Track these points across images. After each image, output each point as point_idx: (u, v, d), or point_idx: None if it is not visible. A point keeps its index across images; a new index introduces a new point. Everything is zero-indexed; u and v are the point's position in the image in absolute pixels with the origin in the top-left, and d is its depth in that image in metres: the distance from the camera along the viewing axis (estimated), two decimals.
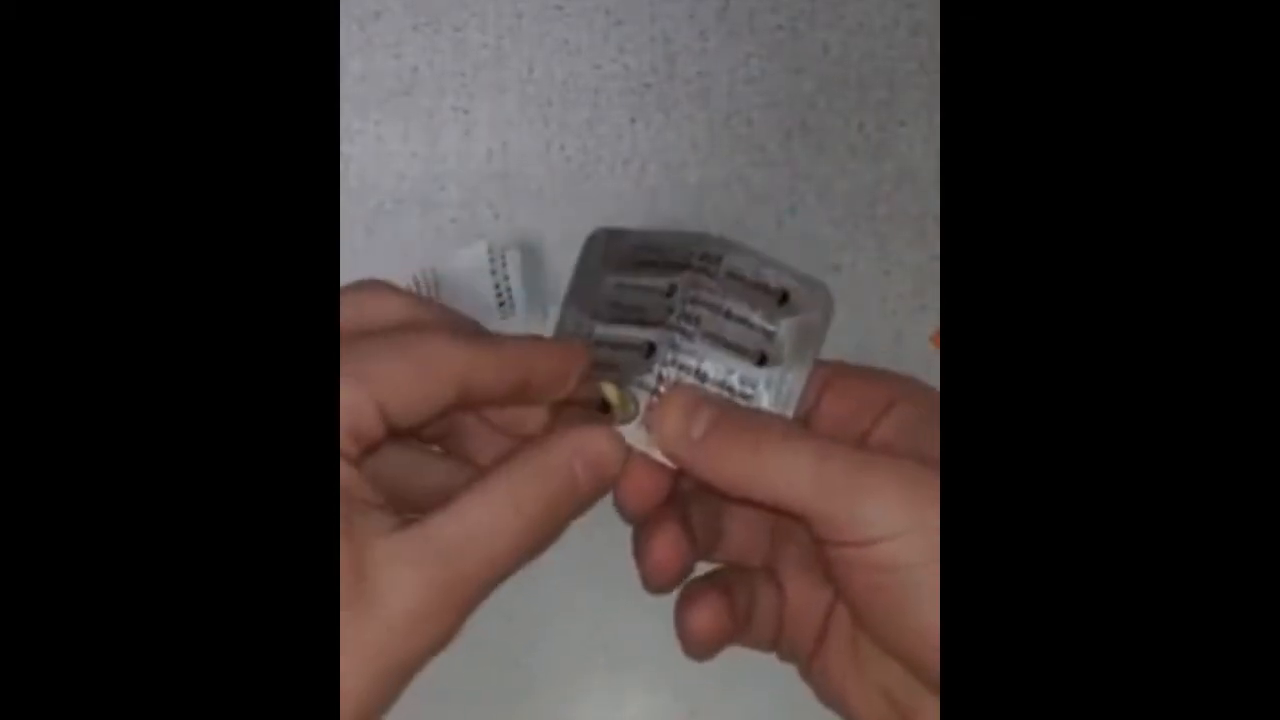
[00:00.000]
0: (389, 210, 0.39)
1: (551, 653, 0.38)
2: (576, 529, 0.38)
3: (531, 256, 0.39)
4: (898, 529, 0.25)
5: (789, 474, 0.26)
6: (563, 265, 0.39)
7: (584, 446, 0.28)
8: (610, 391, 0.30)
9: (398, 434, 0.27)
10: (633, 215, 0.39)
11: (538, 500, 0.27)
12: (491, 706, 0.38)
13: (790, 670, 0.35)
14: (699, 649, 0.31)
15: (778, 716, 0.37)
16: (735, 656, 0.37)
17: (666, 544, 0.30)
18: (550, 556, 0.37)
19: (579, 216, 0.39)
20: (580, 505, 0.28)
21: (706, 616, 0.31)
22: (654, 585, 0.31)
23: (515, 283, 0.37)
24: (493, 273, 0.37)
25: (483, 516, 0.26)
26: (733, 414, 0.28)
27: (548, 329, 0.38)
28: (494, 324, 0.37)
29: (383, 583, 0.24)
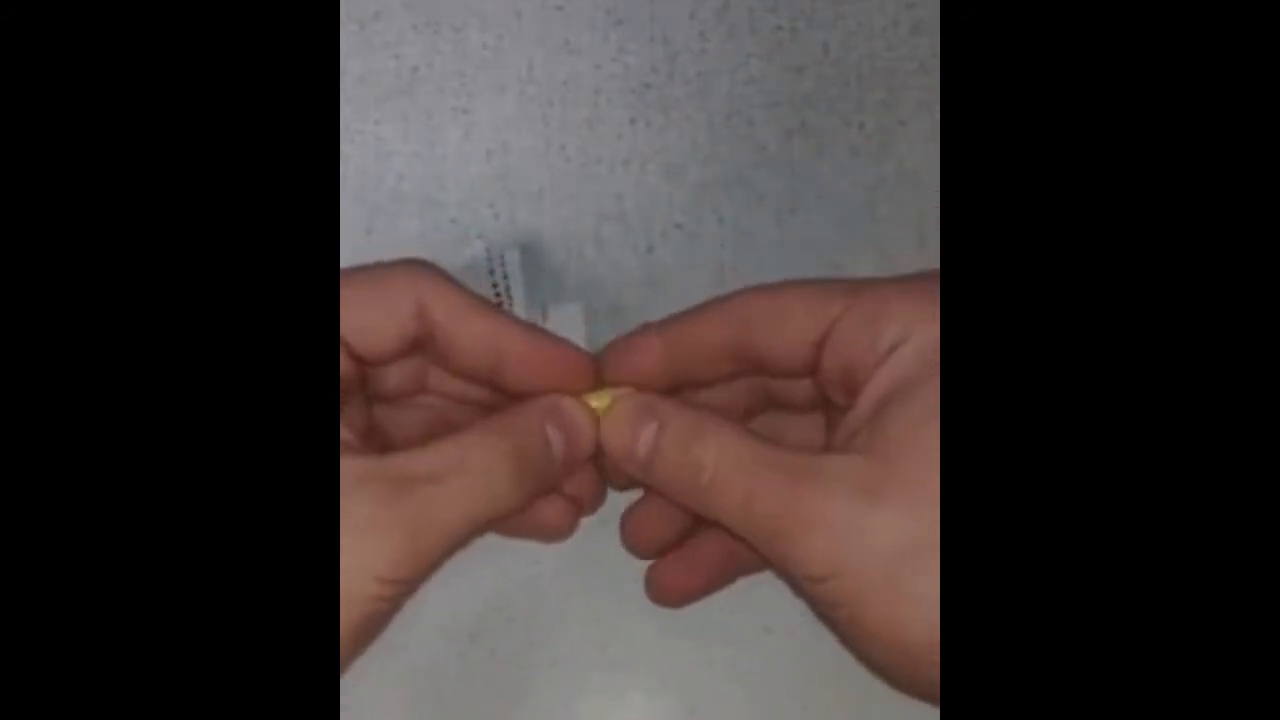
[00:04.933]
0: (389, 210, 0.39)
1: (551, 653, 0.38)
2: (577, 528, 0.38)
3: (531, 256, 0.39)
4: (829, 571, 0.23)
5: (724, 507, 0.25)
6: (562, 265, 0.39)
7: (556, 409, 0.27)
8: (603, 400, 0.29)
9: (368, 365, 0.27)
10: (633, 215, 0.39)
11: (508, 454, 0.26)
12: (491, 706, 0.38)
13: (790, 670, 0.35)
14: (668, 603, 0.31)
15: (778, 716, 0.37)
16: (735, 656, 0.37)
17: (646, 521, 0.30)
18: (550, 556, 0.37)
19: (579, 216, 0.39)
20: (553, 470, 0.27)
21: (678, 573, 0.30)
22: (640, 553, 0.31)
23: (514, 282, 0.37)
24: (490, 273, 0.37)
25: (450, 456, 0.25)
26: (674, 429, 0.26)
27: (547, 328, 0.38)
28: None
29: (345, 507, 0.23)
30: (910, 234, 0.39)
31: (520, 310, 0.38)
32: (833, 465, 0.24)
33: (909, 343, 0.25)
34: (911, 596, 0.23)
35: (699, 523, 0.30)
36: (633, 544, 0.31)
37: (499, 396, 0.29)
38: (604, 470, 0.30)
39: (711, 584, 0.30)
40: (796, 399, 0.29)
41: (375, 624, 0.25)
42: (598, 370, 0.28)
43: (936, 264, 0.39)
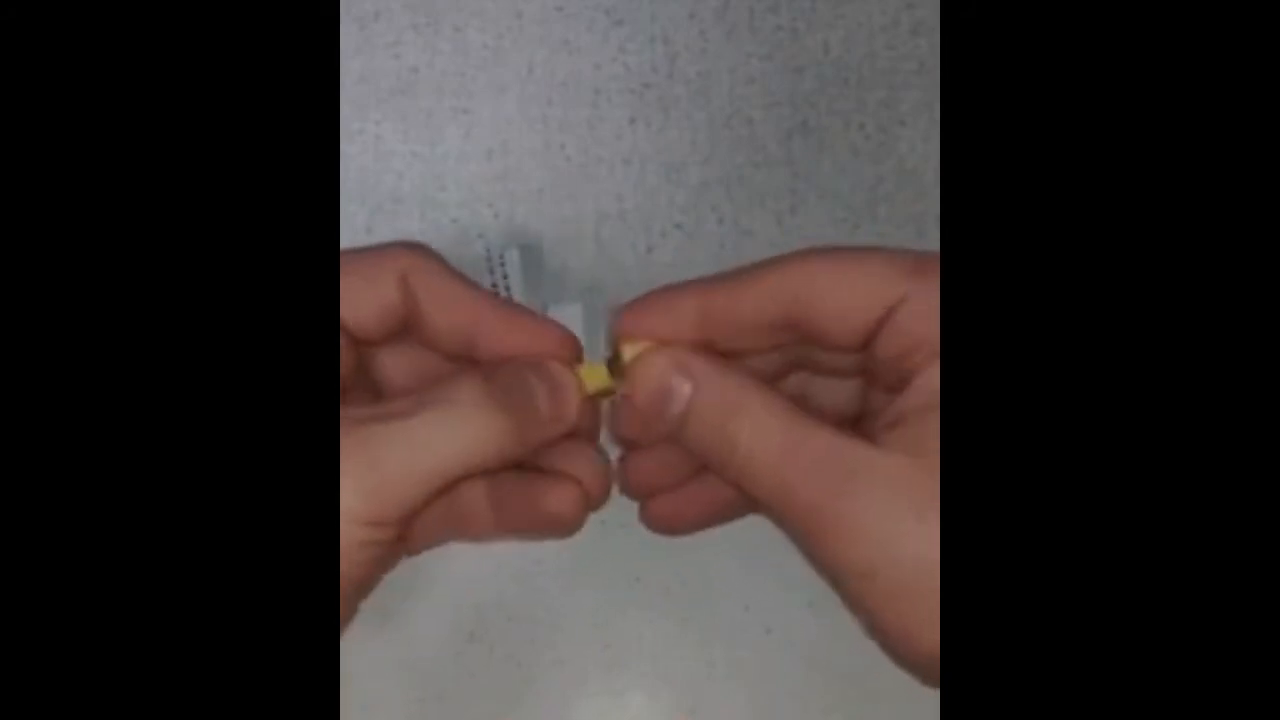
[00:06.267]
0: (389, 210, 0.39)
1: (551, 653, 0.38)
2: None
3: (531, 256, 0.39)
4: (867, 569, 0.23)
5: (757, 492, 0.24)
6: (562, 264, 0.39)
7: (540, 363, 0.26)
8: (598, 372, 0.27)
9: (361, 345, 0.27)
10: (633, 215, 0.39)
11: (485, 391, 0.25)
12: (492, 706, 0.38)
13: (791, 669, 0.35)
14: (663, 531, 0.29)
15: (778, 716, 0.37)
16: (735, 656, 0.37)
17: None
18: (550, 556, 0.37)
19: (579, 216, 0.39)
20: (537, 417, 0.26)
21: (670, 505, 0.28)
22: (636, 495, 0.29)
23: (514, 282, 0.37)
24: (490, 272, 0.37)
25: (421, 396, 0.24)
26: (706, 396, 0.25)
27: None
28: None
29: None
30: (910, 234, 0.39)
31: None
32: (880, 464, 0.23)
33: None
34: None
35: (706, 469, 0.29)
36: (628, 487, 0.29)
37: None
38: (617, 424, 0.28)
39: (711, 521, 0.28)
40: (836, 366, 0.27)
41: (364, 574, 0.24)
42: (578, 347, 0.27)
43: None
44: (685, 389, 0.25)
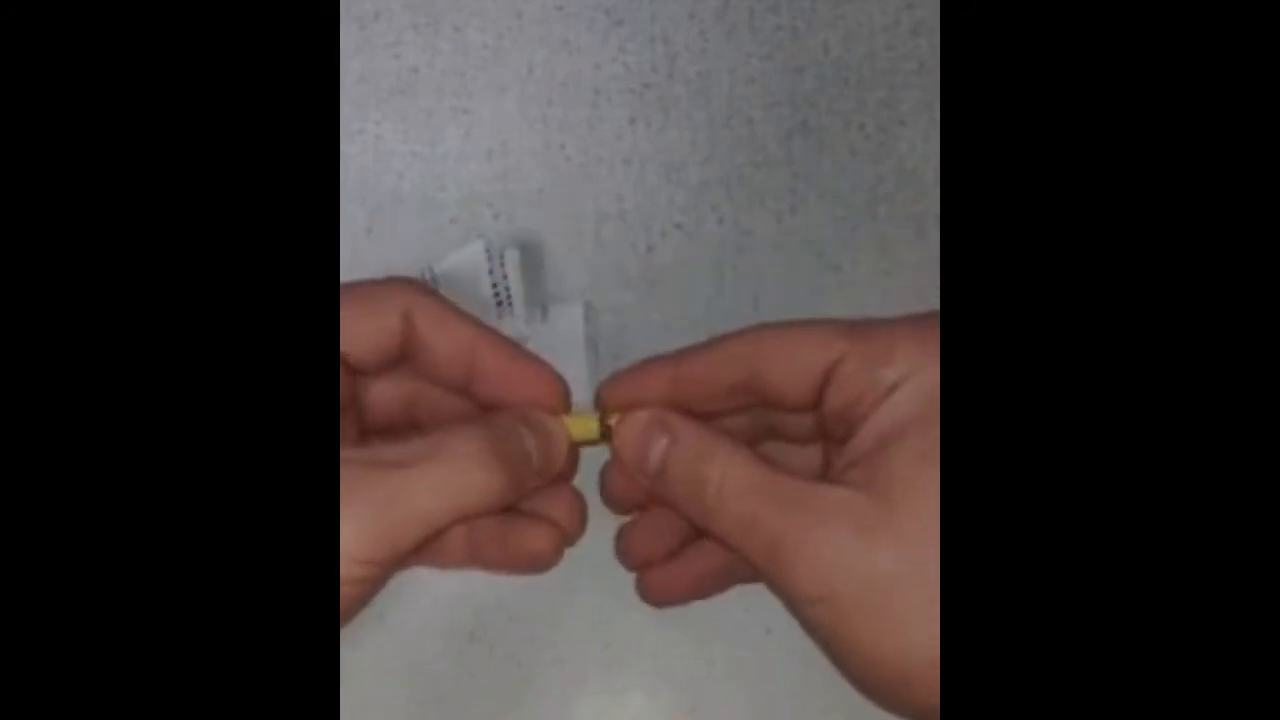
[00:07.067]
0: (389, 210, 0.39)
1: (551, 653, 0.38)
2: None
3: (531, 256, 0.39)
4: (818, 594, 0.25)
5: (725, 526, 0.26)
6: (562, 265, 0.39)
7: (530, 414, 0.28)
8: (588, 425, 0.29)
9: (358, 374, 0.28)
10: (633, 215, 0.39)
11: (481, 443, 0.26)
12: (492, 706, 0.38)
13: (791, 669, 0.35)
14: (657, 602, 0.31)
15: (778, 716, 0.37)
16: (735, 656, 0.37)
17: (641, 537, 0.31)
18: None
19: (579, 216, 0.39)
20: (528, 468, 0.28)
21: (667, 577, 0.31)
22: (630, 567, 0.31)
23: (514, 282, 0.37)
24: (490, 272, 0.37)
25: (423, 444, 0.26)
26: (682, 446, 0.27)
27: (546, 328, 0.38)
28: (491, 323, 0.37)
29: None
30: (910, 233, 0.39)
31: (520, 309, 0.38)
32: (832, 497, 0.25)
33: (909, 382, 0.26)
34: (899, 624, 0.24)
35: (693, 539, 0.31)
36: (627, 557, 0.31)
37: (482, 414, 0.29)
38: (606, 487, 0.31)
39: (702, 591, 0.31)
40: (797, 431, 0.30)
41: (352, 605, 0.25)
42: (568, 393, 0.29)
43: (935, 263, 0.39)
44: (663, 441, 0.28)
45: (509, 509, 0.28)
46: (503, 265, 0.37)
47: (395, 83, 0.40)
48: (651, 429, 0.28)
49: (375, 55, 0.40)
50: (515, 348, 0.29)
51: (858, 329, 0.27)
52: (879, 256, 0.39)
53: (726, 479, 0.26)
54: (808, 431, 0.30)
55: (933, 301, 0.39)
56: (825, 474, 0.28)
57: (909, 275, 0.39)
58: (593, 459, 0.30)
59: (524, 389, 0.29)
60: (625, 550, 0.31)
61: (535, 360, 0.29)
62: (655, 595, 0.31)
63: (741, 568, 0.28)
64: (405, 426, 0.30)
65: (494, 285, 0.37)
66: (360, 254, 0.39)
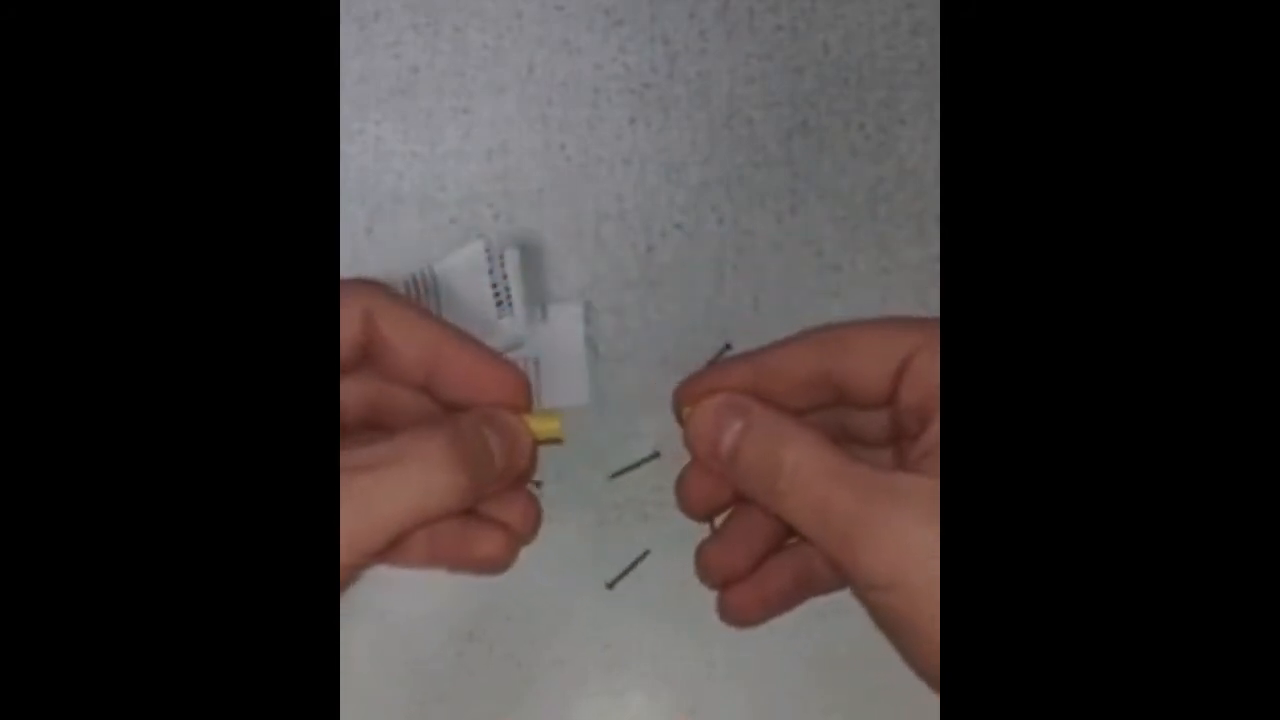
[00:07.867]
0: (389, 210, 0.39)
1: (551, 653, 0.38)
2: (576, 529, 0.38)
3: (530, 256, 0.39)
4: (890, 581, 0.25)
5: (798, 510, 0.26)
6: (562, 265, 0.39)
7: (493, 415, 0.28)
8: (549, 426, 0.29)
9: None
10: (633, 215, 0.39)
11: (444, 446, 0.26)
12: (492, 706, 0.38)
13: (791, 670, 0.35)
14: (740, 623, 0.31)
15: (778, 716, 0.37)
16: (735, 656, 0.37)
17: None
18: (551, 556, 0.37)
19: (579, 216, 0.39)
20: (491, 469, 0.28)
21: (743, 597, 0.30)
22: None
23: (513, 282, 0.37)
24: (490, 272, 0.37)
25: (386, 449, 0.26)
26: (757, 429, 0.27)
27: (546, 328, 0.38)
28: (491, 323, 0.37)
29: None
30: (910, 233, 0.39)
31: (520, 309, 0.38)
32: (905, 483, 0.25)
33: None
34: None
35: (771, 551, 0.31)
36: (707, 575, 0.31)
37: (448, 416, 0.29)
38: (683, 490, 0.30)
39: (781, 606, 0.31)
40: (870, 433, 0.30)
41: None
42: (530, 391, 0.29)
43: (935, 262, 0.39)
44: (737, 425, 0.27)
45: (468, 510, 0.28)
46: (502, 265, 0.37)
47: (395, 83, 0.40)
48: (725, 413, 0.28)
49: (375, 55, 0.40)
50: (478, 347, 0.29)
51: (931, 324, 0.27)
52: (879, 256, 0.39)
53: (801, 463, 0.26)
54: (880, 433, 0.30)
55: (933, 301, 0.39)
56: (900, 466, 0.28)
57: (909, 275, 0.39)
58: (548, 454, 0.30)
59: (487, 388, 0.29)
60: (705, 566, 0.31)
61: (498, 359, 0.29)
62: (735, 614, 0.31)
63: (817, 580, 0.29)
64: (370, 427, 0.30)
65: (494, 285, 0.37)
66: (360, 254, 0.39)
